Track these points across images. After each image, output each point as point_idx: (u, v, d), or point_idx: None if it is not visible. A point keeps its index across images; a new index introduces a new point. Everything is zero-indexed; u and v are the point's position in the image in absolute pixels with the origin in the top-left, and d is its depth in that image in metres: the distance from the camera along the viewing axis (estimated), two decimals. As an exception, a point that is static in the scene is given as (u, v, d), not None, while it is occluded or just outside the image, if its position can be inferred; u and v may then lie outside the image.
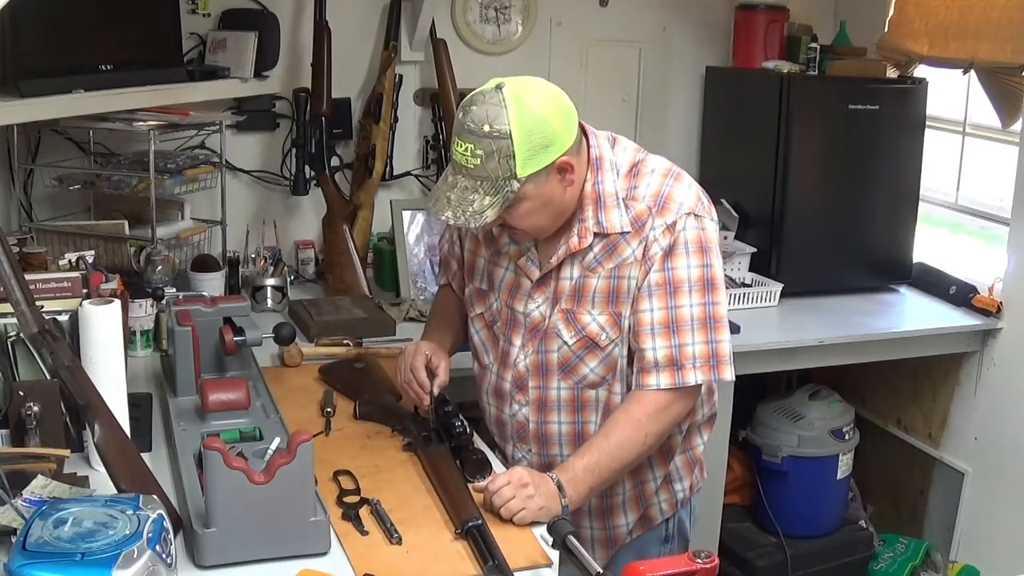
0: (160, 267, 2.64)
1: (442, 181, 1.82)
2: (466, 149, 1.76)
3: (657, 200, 1.87)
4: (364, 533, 1.66)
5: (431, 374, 2.00)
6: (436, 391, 1.99)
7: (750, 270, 3.22)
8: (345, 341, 2.57)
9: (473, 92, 1.80)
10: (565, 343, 1.93)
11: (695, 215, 1.87)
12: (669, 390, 1.86)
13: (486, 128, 1.73)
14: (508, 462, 2.04)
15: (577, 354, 1.93)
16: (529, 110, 1.75)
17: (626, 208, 1.87)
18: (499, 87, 1.76)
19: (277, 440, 1.63)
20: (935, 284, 3.27)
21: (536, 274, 1.94)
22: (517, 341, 1.98)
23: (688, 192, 1.89)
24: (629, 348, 1.91)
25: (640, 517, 2.07)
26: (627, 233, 1.87)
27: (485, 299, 2.05)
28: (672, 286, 1.85)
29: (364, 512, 1.72)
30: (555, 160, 1.78)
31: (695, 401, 1.95)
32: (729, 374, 1.89)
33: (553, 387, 1.97)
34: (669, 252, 1.85)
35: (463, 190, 1.78)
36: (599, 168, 1.88)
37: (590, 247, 1.89)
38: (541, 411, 1.99)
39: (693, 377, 1.85)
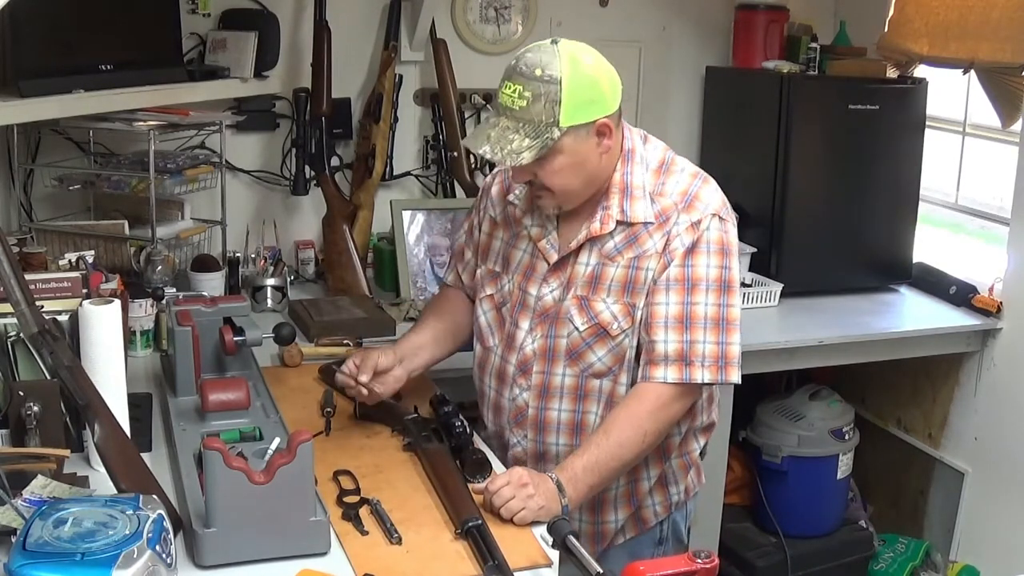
0: (160, 267, 2.64)
1: (483, 123, 1.86)
2: (514, 91, 1.79)
3: (685, 197, 1.90)
4: (364, 533, 1.66)
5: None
6: (364, 377, 1.96)
7: (750, 270, 3.22)
8: (345, 341, 2.57)
9: (528, 46, 1.85)
10: (576, 329, 1.93)
11: (720, 217, 1.90)
12: (673, 386, 1.86)
13: (538, 72, 1.78)
14: (504, 449, 2.04)
15: (586, 341, 1.93)
16: (582, 65, 1.80)
17: (652, 201, 1.90)
18: (555, 41, 1.82)
19: (277, 440, 1.63)
20: (935, 284, 3.28)
21: (554, 257, 1.95)
22: (524, 324, 1.99)
23: (715, 195, 1.93)
24: (639, 341, 1.92)
25: (632, 516, 2.07)
26: (650, 224, 1.89)
27: (497, 280, 2.06)
28: (690, 283, 1.87)
29: (364, 512, 1.72)
30: (597, 119, 1.82)
31: (694, 401, 1.95)
32: (736, 377, 1.90)
33: (558, 373, 1.97)
34: (691, 249, 1.87)
35: (504, 130, 1.81)
36: (630, 160, 1.92)
37: (611, 235, 1.91)
38: (542, 397, 1.99)
39: (700, 375, 1.86)
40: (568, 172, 1.84)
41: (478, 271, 2.11)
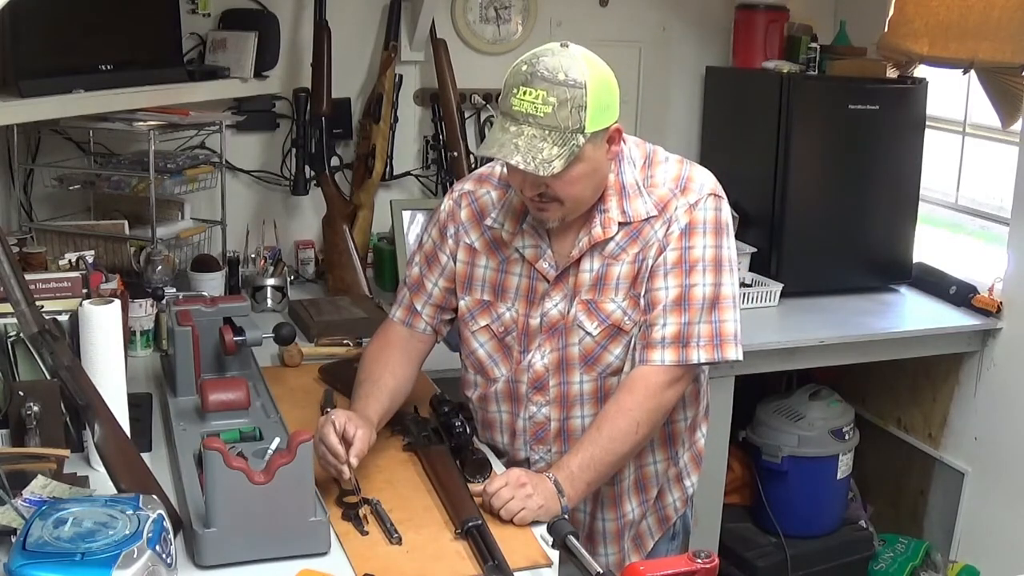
0: (160, 267, 2.64)
1: (499, 132, 1.75)
2: (536, 96, 1.70)
3: (679, 182, 1.89)
4: (364, 533, 1.66)
5: (347, 443, 1.76)
6: (355, 461, 1.74)
7: (750, 270, 3.22)
8: (345, 341, 2.57)
9: (533, 51, 1.77)
10: (588, 334, 1.90)
11: (716, 195, 1.90)
12: (666, 371, 1.85)
13: (561, 76, 1.70)
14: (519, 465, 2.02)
15: (601, 344, 1.91)
16: (599, 68, 1.76)
17: (647, 195, 1.89)
18: (564, 45, 1.76)
19: (277, 440, 1.63)
20: (935, 284, 3.28)
21: (553, 274, 1.91)
22: (534, 345, 1.95)
23: (707, 175, 1.92)
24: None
25: (655, 514, 2.06)
26: (652, 217, 1.88)
27: (490, 310, 1.98)
28: (688, 264, 1.86)
29: (364, 512, 1.72)
30: (611, 125, 1.79)
31: (685, 388, 1.93)
32: (732, 353, 1.88)
33: (575, 381, 1.94)
34: (687, 231, 1.86)
35: (531, 138, 1.71)
36: (620, 160, 1.89)
37: (612, 237, 1.88)
38: (563, 407, 1.96)
39: (696, 355, 1.85)
40: (584, 180, 1.80)
41: (461, 302, 2.00)
